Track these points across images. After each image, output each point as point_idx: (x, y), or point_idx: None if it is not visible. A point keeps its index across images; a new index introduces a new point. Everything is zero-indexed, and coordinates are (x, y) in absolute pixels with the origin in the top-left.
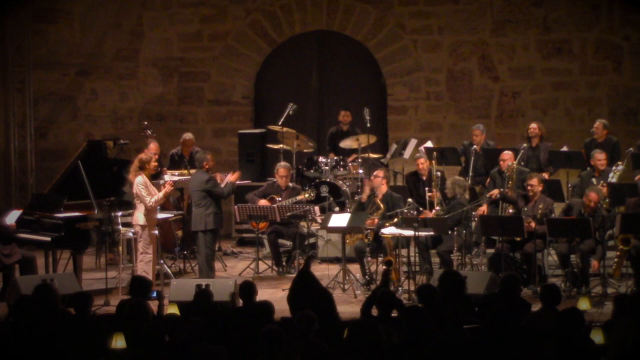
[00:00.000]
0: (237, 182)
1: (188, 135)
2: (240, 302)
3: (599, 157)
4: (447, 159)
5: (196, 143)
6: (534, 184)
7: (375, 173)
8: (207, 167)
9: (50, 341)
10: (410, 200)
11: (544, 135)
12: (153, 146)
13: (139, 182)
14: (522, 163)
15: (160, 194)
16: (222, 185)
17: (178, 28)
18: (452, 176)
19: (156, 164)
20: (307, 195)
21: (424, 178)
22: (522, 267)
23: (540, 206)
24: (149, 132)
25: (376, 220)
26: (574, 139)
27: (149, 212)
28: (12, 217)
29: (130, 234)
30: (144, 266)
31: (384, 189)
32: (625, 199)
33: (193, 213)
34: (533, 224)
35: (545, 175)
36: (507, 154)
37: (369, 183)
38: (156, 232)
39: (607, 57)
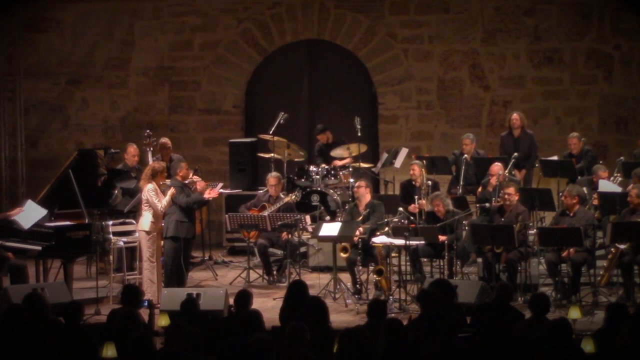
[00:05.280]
0: (225, 191)
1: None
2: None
3: (603, 175)
4: (437, 168)
5: (186, 152)
6: (511, 192)
7: (357, 184)
8: (180, 175)
9: (40, 351)
10: (400, 209)
11: (525, 126)
12: (132, 149)
13: (150, 188)
14: (513, 173)
15: (167, 198)
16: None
17: (169, 37)
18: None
19: (166, 173)
20: (293, 197)
21: (417, 184)
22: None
23: (520, 218)
24: (152, 140)
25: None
26: (564, 148)
27: (157, 218)
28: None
29: (121, 243)
30: (149, 274)
31: (368, 197)
32: (617, 208)
33: None
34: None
35: (519, 175)
36: (496, 167)
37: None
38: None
39: (598, 67)
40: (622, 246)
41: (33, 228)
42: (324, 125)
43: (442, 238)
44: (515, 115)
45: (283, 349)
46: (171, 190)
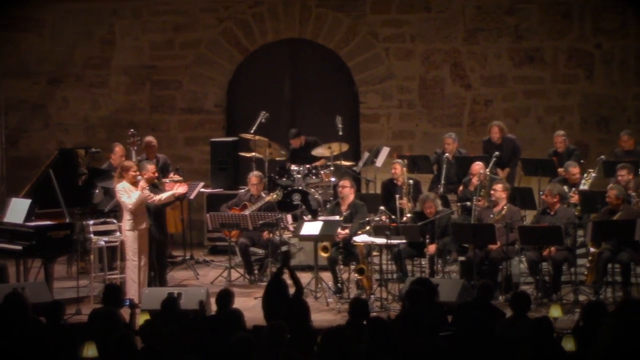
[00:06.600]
0: (206, 190)
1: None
2: (213, 311)
3: (573, 172)
4: (419, 167)
5: (167, 151)
6: (498, 189)
7: (341, 184)
8: (144, 176)
9: (21, 350)
10: (382, 208)
11: (505, 133)
12: (118, 149)
13: (119, 188)
14: (494, 171)
15: (137, 193)
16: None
17: (150, 36)
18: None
19: (136, 173)
20: (274, 196)
21: (399, 183)
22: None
23: (505, 207)
24: (136, 139)
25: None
26: (545, 147)
27: (134, 216)
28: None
29: (102, 243)
30: (131, 273)
31: (351, 197)
32: (597, 207)
33: None
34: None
35: (501, 174)
36: (477, 166)
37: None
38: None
39: (579, 66)
40: (592, 249)
41: (17, 228)
42: (298, 130)
43: (432, 248)
44: (494, 129)
45: (264, 348)
46: (141, 183)
